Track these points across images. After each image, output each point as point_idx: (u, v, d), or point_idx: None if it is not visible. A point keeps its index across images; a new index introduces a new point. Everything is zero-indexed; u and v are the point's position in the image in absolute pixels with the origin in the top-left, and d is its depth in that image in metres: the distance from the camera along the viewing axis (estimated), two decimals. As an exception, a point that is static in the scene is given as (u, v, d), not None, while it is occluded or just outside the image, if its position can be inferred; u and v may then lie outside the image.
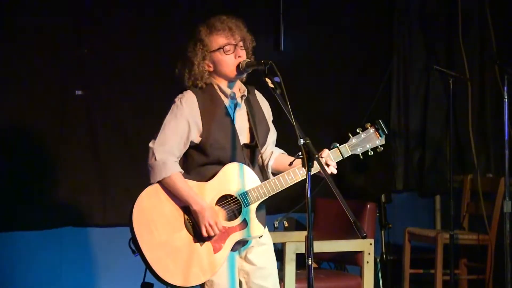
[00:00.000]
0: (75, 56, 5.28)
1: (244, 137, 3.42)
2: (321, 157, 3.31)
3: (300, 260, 4.06)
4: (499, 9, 6.32)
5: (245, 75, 3.40)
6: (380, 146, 3.44)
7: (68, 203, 5.26)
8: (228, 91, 3.40)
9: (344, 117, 6.04)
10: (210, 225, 3.28)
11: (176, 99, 3.40)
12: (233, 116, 3.40)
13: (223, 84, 3.40)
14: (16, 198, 5.15)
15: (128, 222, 3.35)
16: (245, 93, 3.44)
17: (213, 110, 3.37)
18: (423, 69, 6.37)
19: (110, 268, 5.42)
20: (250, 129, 3.41)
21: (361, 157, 3.41)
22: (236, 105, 3.42)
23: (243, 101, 3.44)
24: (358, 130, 3.42)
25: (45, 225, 5.22)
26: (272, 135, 3.57)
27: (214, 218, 3.29)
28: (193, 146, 3.38)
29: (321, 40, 6.00)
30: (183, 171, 3.36)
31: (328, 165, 3.31)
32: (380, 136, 3.42)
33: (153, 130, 3.48)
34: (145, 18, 5.44)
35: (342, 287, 4.79)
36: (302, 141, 2.98)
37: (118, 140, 5.41)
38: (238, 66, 3.34)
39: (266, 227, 3.52)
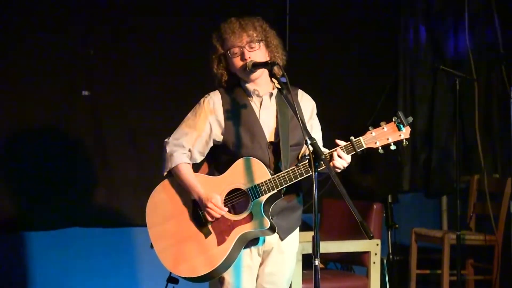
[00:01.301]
0: (82, 56, 5.29)
1: (271, 135, 3.43)
2: (334, 150, 3.29)
3: (307, 260, 4.06)
4: (506, 9, 6.31)
5: (253, 74, 3.39)
6: (406, 140, 3.30)
7: (75, 203, 5.27)
8: (251, 88, 3.42)
9: (351, 118, 6.03)
10: (210, 208, 3.32)
11: (202, 99, 3.47)
12: (258, 113, 3.42)
13: (244, 82, 3.44)
14: (24, 199, 5.16)
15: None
16: (273, 91, 3.44)
17: (237, 108, 3.42)
18: (429, 70, 6.36)
19: (117, 268, 5.44)
20: (277, 127, 3.42)
21: (380, 151, 3.33)
22: (261, 102, 3.43)
23: (271, 99, 3.45)
24: (381, 124, 3.32)
25: (53, 226, 5.24)
26: (314, 134, 3.47)
27: (209, 199, 3.32)
28: (219, 146, 3.43)
29: (327, 41, 5.99)
30: (190, 163, 3.43)
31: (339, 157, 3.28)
32: (400, 129, 3.29)
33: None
34: (152, 19, 5.44)
35: (348, 287, 4.78)
36: (308, 141, 3.00)
37: (125, 141, 5.42)
38: (245, 67, 3.36)
39: (295, 234, 3.54)
